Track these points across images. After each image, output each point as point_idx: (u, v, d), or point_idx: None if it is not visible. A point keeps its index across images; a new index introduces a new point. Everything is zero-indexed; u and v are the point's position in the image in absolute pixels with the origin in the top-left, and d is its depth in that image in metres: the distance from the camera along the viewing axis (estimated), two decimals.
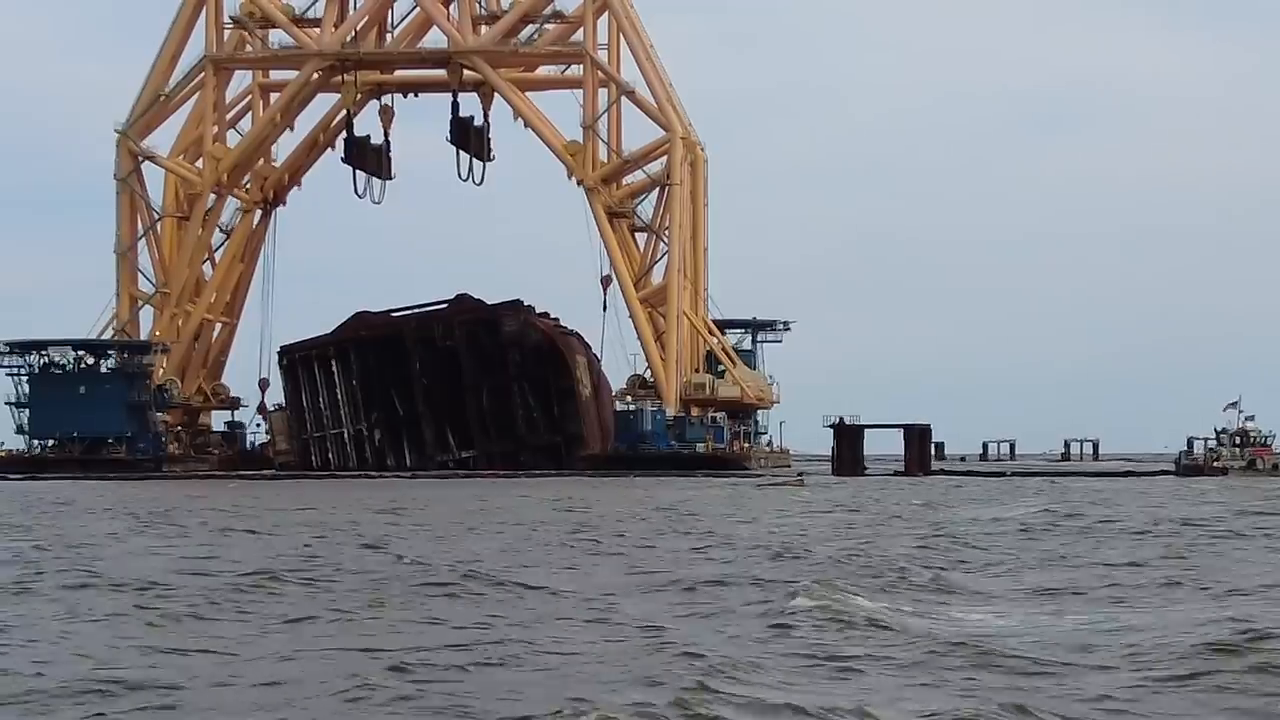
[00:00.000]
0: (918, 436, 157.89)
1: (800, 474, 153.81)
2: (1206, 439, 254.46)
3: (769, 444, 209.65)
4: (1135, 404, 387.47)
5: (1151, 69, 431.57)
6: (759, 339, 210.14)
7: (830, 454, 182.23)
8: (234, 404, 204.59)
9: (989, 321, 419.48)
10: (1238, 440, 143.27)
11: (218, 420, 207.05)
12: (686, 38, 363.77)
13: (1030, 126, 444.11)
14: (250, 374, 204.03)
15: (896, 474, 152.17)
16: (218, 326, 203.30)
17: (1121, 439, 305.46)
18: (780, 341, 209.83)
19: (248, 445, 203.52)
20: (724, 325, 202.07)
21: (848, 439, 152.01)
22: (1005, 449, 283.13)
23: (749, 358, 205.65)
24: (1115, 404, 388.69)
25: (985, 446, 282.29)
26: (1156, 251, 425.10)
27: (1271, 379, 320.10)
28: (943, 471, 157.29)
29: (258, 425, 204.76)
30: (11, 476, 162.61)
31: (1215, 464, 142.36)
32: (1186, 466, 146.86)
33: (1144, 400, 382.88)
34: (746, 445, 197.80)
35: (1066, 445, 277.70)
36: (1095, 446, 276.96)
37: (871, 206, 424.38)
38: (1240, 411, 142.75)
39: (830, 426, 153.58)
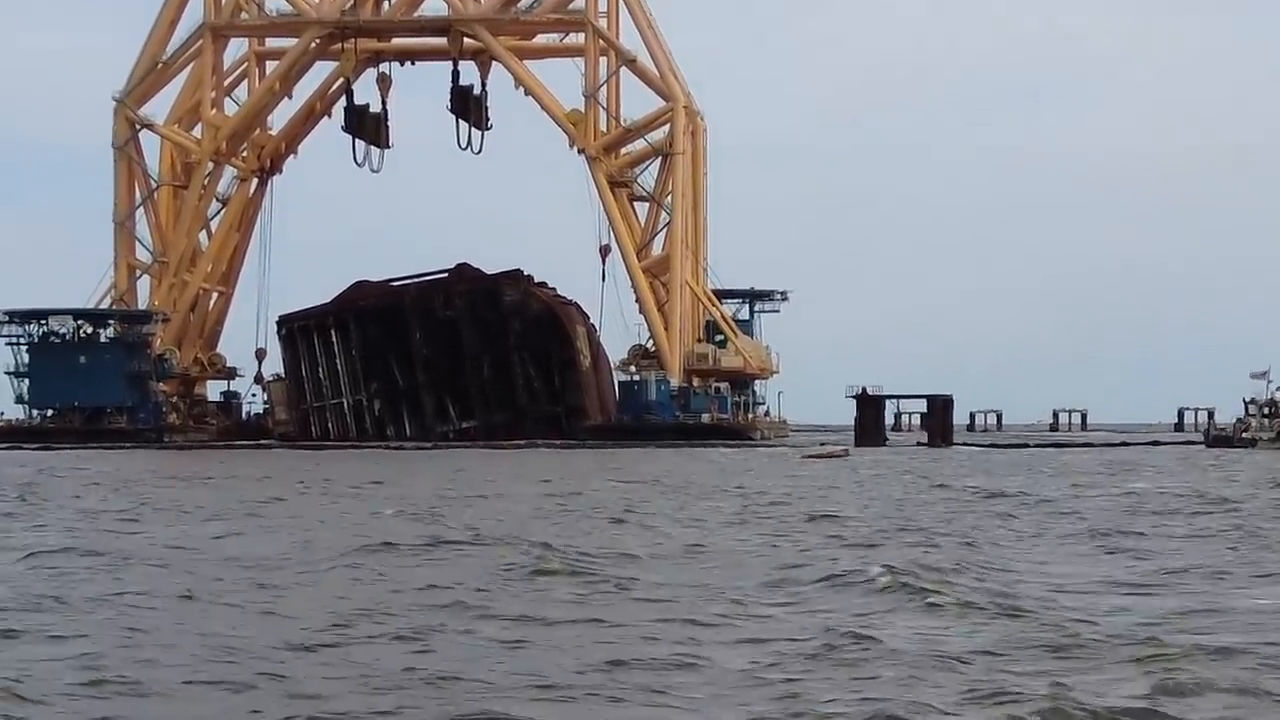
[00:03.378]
0: (940, 407, 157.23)
1: (829, 443, 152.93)
2: (1198, 409, 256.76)
3: (766, 414, 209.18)
4: (1119, 375, 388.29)
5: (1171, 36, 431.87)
6: (756, 309, 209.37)
7: (827, 425, 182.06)
8: (230, 374, 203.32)
9: (972, 292, 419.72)
10: (1266, 411, 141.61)
11: (213, 390, 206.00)
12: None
13: (1002, 99, 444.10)
14: (246, 344, 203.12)
15: (920, 445, 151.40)
16: (214, 296, 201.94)
17: (1106, 410, 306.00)
18: (778, 311, 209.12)
19: (244, 415, 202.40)
20: (722, 295, 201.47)
21: (871, 409, 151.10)
22: (993, 420, 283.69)
23: (746, 327, 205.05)
24: (1100, 375, 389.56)
25: (972, 417, 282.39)
26: (1143, 224, 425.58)
27: (1258, 352, 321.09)
28: (965, 444, 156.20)
29: (253, 395, 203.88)
30: (27, 447, 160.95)
31: (1244, 435, 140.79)
32: (1215, 437, 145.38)
33: (1128, 371, 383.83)
34: (752, 416, 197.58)
35: (1055, 416, 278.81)
36: (1084, 417, 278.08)
37: (851, 177, 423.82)
38: (1270, 381, 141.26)
39: (853, 397, 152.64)
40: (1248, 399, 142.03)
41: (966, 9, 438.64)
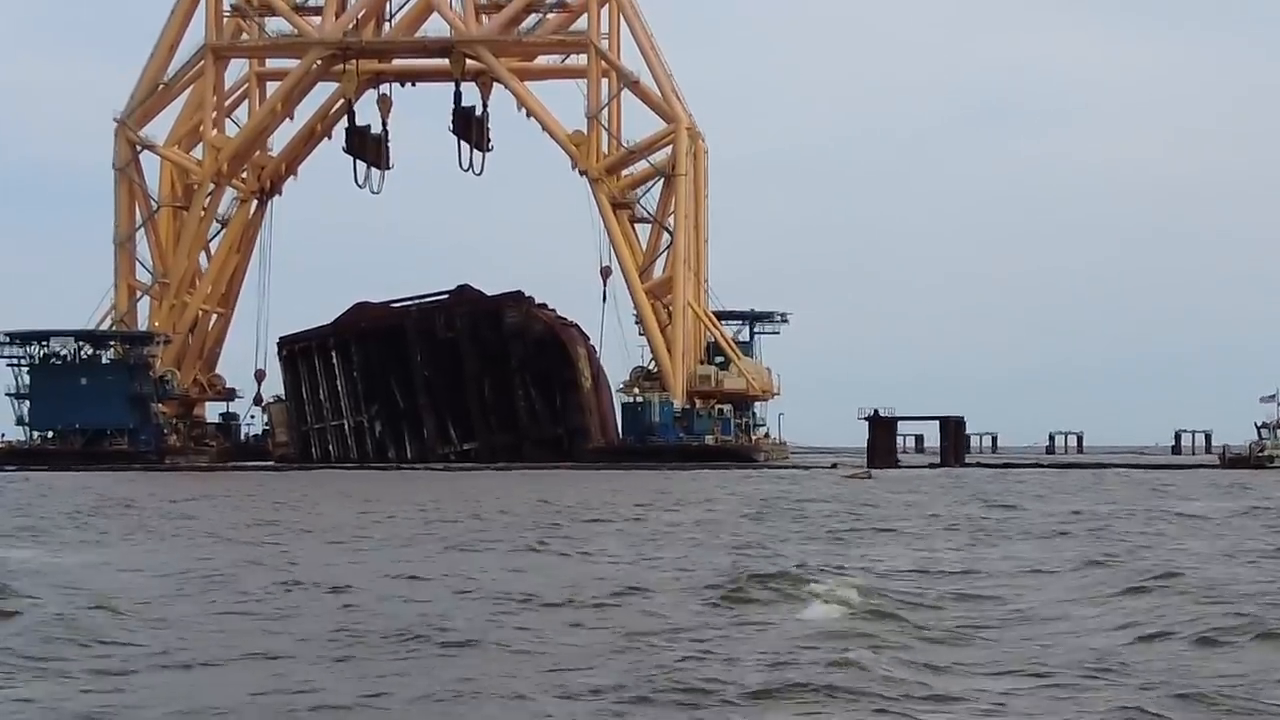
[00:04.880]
0: (954, 428, 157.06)
1: (841, 464, 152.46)
2: (1195, 431, 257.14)
3: (766, 435, 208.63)
4: (1113, 397, 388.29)
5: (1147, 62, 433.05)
6: (756, 330, 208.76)
7: (823, 446, 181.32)
8: (230, 395, 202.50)
9: (963, 315, 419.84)
10: None
11: (211, 412, 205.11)
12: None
13: (981, 122, 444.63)
14: (244, 365, 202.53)
15: (932, 465, 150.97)
16: (213, 317, 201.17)
17: (1101, 432, 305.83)
18: (778, 333, 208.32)
19: (243, 437, 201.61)
20: (722, 316, 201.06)
21: (883, 431, 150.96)
22: (988, 442, 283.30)
23: (746, 349, 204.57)
24: (1093, 397, 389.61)
25: (968, 439, 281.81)
26: (1135, 246, 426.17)
27: (1245, 373, 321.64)
28: (980, 464, 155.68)
29: (252, 417, 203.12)
30: (35, 468, 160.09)
31: (1260, 455, 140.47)
32: (1232, 459, 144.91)
33: (1121, 393, 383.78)
34: (756, 437, 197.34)
35: (1051, 438, 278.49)
36: (1080, 440, 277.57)
37: (840, 200, 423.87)
38: (1279, 404, 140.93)
39: (865, 419, 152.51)
40: (1259, 422, 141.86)
41: (932, 37, 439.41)
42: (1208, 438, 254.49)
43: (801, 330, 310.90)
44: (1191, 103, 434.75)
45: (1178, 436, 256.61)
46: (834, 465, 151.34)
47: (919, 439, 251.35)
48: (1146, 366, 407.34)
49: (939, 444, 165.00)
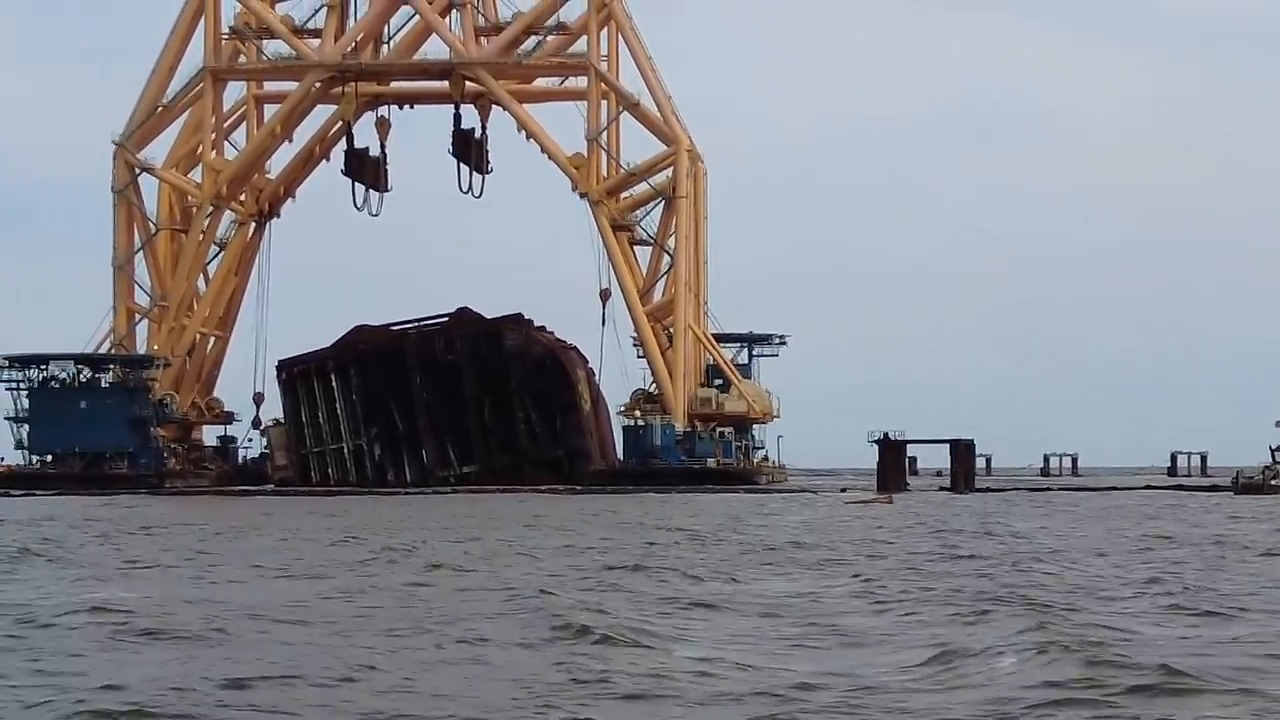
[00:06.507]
0: (962, 451, 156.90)
1: (850, 488, 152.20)
2: (1190, 453, 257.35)
3: (765, 458, 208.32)
4: (1106, 418, 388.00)
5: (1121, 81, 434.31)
6: (754, 353, 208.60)
7: (820, 469, 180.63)
8: (228, 418, 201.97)
9: (953, 332, 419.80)
10: None
11: (209, 435, 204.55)
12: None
13: (961, 140, 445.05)
14: (242, 388, 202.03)
15: (943, 489, 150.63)
16: (211, 340, 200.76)
17: (1093, 454, 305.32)
18: (777, 355, 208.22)
19: (241, 460, 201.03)
20: (721, 339, 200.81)
21: (892, 454, 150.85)
22: (981, 463, 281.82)
23: (744, 371, 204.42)
24: (1085, 418, 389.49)
25: None
26: (1128, 266, 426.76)
27: (1240, 391, 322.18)
28: (989, 489, 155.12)
29: (250, 440, 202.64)
30: (40, 492, 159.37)
31: (1273, 482, 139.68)
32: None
33: (1114, 414, 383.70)
34: (756, 460, 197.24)
35: (1046, 459, 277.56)
36: (1074, 461, 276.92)
37: (823, 219, 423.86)
38: None
39: (875, 441, 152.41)
40: (1274, 446, 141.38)
41: (907, 56, 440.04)
42: (1203, 459, 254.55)
43: (795, 351, 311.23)
44: (1179, 118, 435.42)
45: (1174, 458, 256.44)
46: (844, 490, 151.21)
47: (912, 460, 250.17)
48: (1141, 380, 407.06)
49: (940, 467, 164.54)
